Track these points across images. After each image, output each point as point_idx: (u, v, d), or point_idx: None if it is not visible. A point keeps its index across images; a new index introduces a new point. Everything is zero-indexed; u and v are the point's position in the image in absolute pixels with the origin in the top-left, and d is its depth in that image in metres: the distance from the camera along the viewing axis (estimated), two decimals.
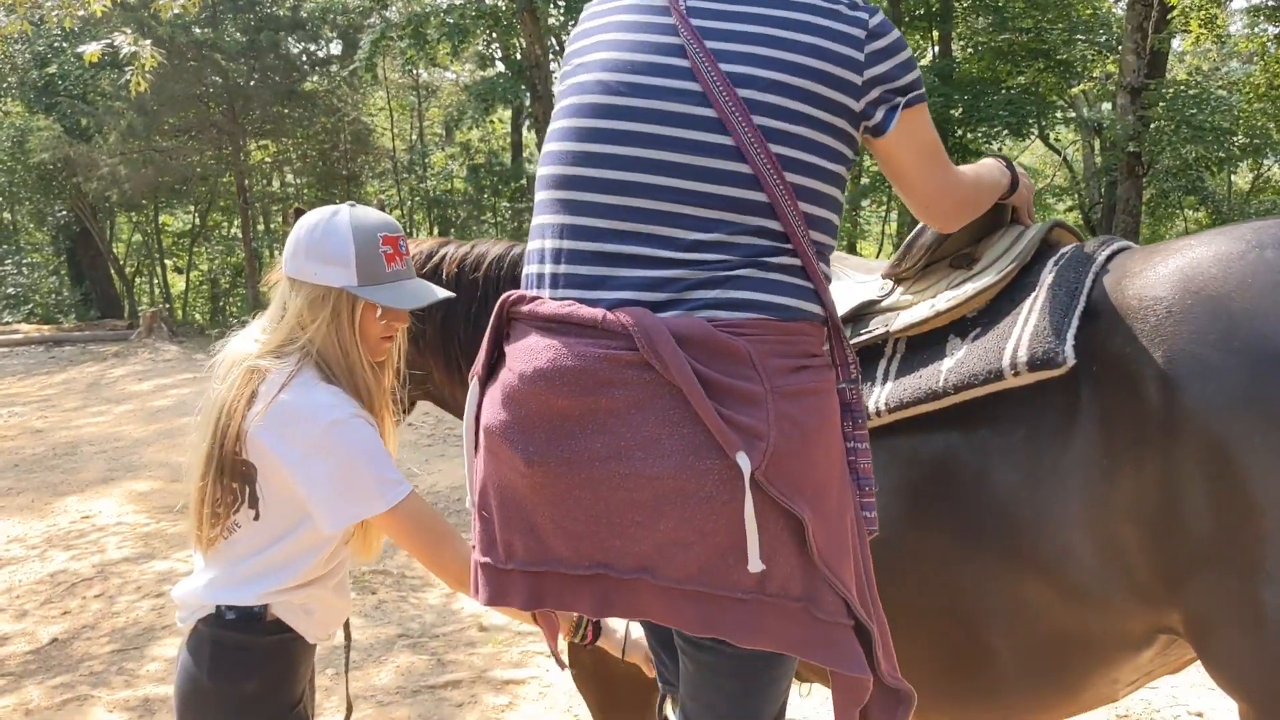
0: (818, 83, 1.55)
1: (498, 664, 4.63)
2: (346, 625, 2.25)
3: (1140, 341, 1.69)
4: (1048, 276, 1.87)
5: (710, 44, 1.55)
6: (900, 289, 2.08)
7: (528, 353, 1.54)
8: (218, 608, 1.98)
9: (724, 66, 1.53)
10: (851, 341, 1.96)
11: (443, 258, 2.70)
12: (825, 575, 1.50)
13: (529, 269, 1.67)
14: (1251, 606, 1.55)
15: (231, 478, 1.95)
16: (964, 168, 1.88)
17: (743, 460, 1.42)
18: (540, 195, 1.68)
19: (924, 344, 1.96)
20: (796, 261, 1.55)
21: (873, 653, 1.56)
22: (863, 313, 2.08)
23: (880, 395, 1.94)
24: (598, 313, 1.50)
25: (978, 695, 1.92)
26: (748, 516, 1.42)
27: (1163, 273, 1.73)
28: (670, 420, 1.45)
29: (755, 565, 1.44)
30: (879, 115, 1.63)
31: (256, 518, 1.97)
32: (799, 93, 1.54)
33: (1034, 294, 1.86)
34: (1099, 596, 1.73)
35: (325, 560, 2.02)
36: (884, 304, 2.06)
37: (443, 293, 2.04)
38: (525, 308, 1.58)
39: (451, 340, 2.64)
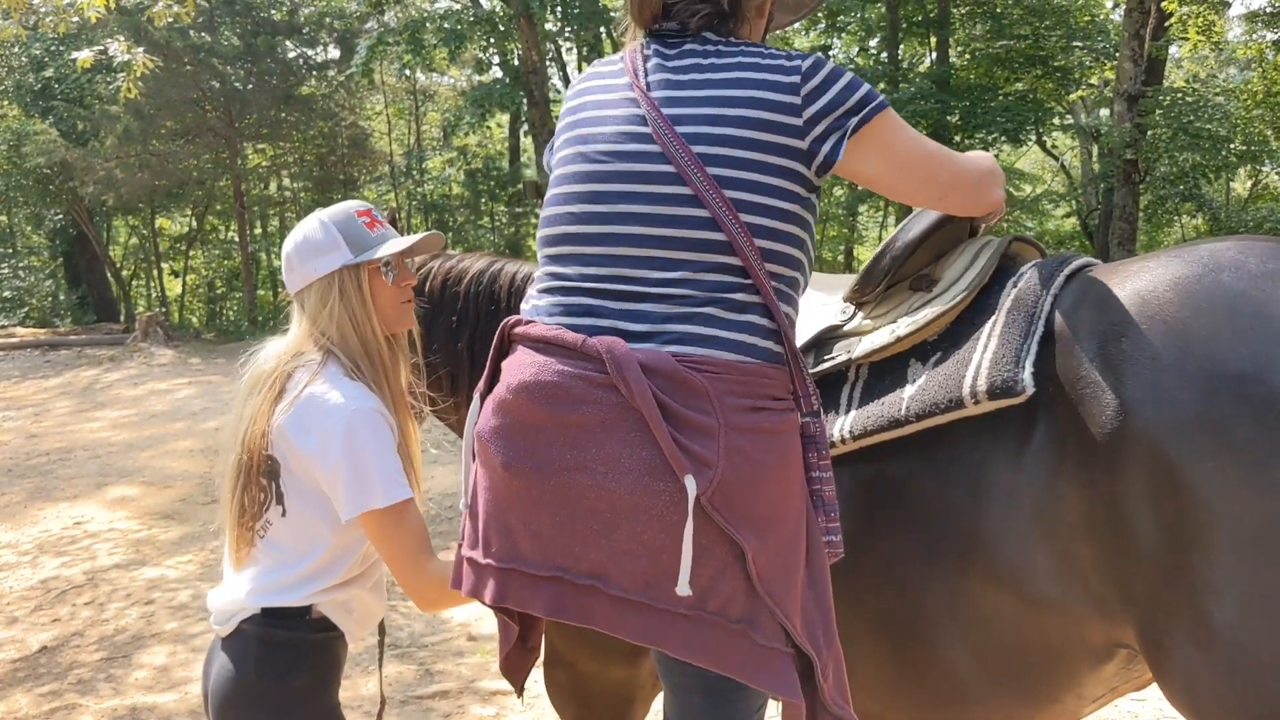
0: (760, 130, 1.71)
1: (485, 674, 4.61)
2: (381, 621, 2.31)
3: (1095, 364, 1.71)
4: (1006, 300, 1.89)
5: (667, 110, 1.75)
6: (861, 314, 2.10)
7: (517, 367, 1.71)
8: (263, 609, 2.01)
9: (679, 129, 1.73)
10: (814, 370, 2.04)
11: (428, 272, 2.77)
12: (766, 603, 1.60)
13: (527, 306, 1.84)
14: (1202, 625, 1.58)
15: (259, 475, 2.01)
16: (958, 155, 1.89)
17: (690, 484, 1.55)
18: (540, 253, 1.88)
19: (886, 370, 1.99)
20: (758, 300, 1.70)
21: (814, 679, 1.66)
22: (825, 339, 2.09)
23: (844, 423, 1.96)
24: (579, 338, 1.66)
25: (946, 706, 1.94)
26: (686, 537, 1.54)
27: (1119, 296, 1.76)
28: (631, 442, 1.59)
29: (683, 589, 1.55)
30: (827, 148, 1.74)
31: (284, 514, 2.02)
32: (745, 142, 1.71)
33: (993, 318, 1.89)
34: (1058, 609, 1.75)
35: (360, 560, 2.07)
36: (845, 329, 2.08)
37: (431, 233, 2.21)
38: (520, 329, 1.77)
39: (431, 350, 2.66)
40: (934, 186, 1.84)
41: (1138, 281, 1.76)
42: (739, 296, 1.69)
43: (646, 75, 1.81)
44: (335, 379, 2.00)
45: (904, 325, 1.97)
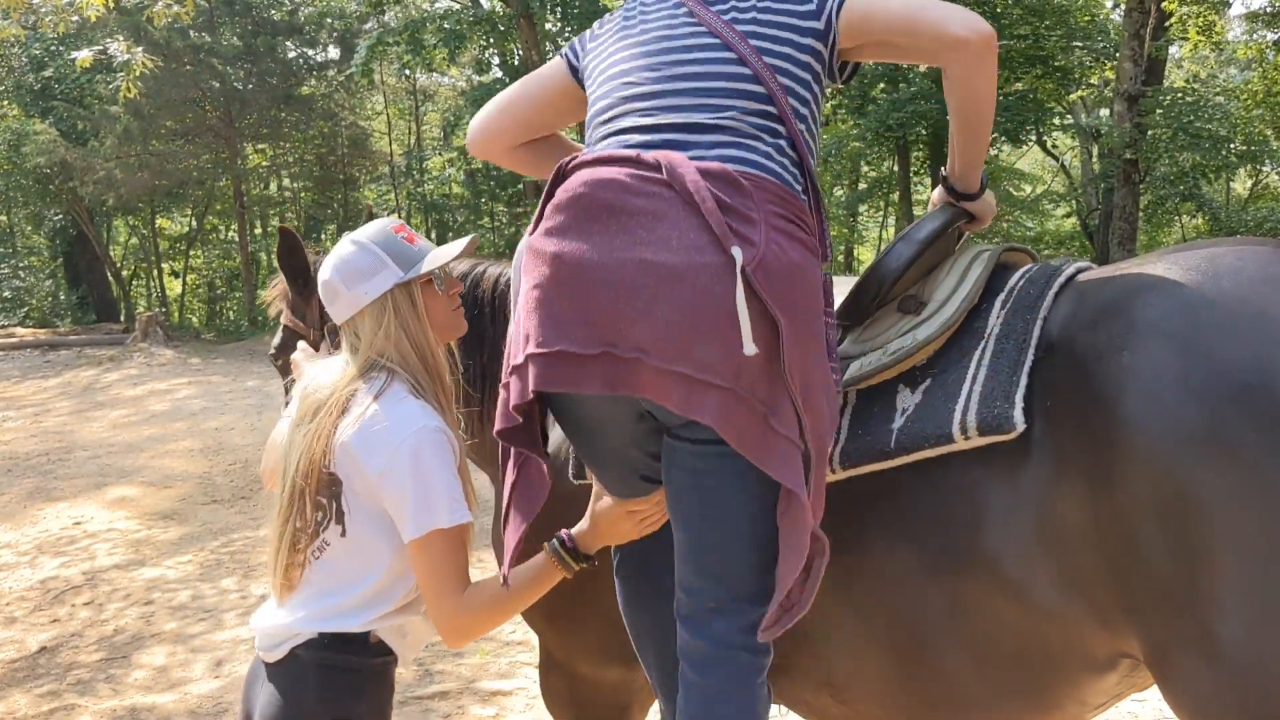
0: (787, 16, 1.97)
1: (485, 675, 4.61)
2: None
3: (1094, 377, 1.67)
4: (995, 324, 1.86)
5: (712, 8, 1.99)
6: (850, 337, 2.06)
7: (574, 180, 1.83)
8: (320, 634, 1.97)
9: (723, 17, 1.97)
10: None
11: None
12: (789, 388, 1.70)
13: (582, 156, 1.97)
14: (1208, 638, 1.55)
15: (318, 493, 1.97)
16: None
17: (736, 253, 1.68)
18: (591, 126, 2.04)
19: (874, 397, 1.95)
20: (794, 152, 1.92)
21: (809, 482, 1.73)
22: None
23: (836, 452, 1.92)
24: (633, 151, 1.83)
25: (948, 713, 1.92)
26: (739, 301, 1.66)
27: (1115, 305, 1.72)
28: (681, 227, 1.72)
29: (749, 348, 1.66)
30: (833, 15, 1.97)
31: (344, 534, 1.97)
32: (776, 24, 1.96)
33: (982, 344, 1.85)
34: (1060, 619, 1.73)
35: (416, 585, 2.02)
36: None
37: (470, 237, 2.21)
38: (575, 161, 1.90)
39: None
40: (928, 13, 1.91)
41: (1134, 289, 1.72)
42: (776, 141, 1.91)
43: None
44: (400, 397, 1.96)
45: (891, 351, 1.93)
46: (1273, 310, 1.57)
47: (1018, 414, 1.71)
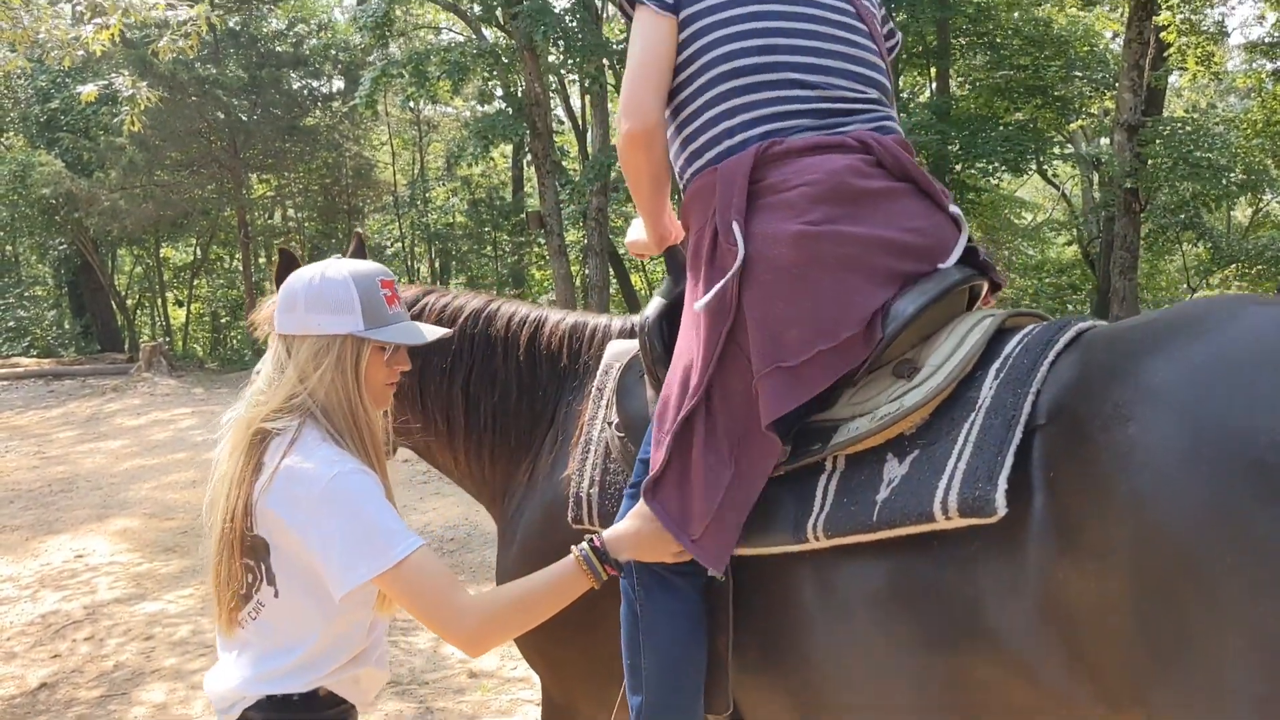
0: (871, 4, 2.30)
1: (486, 711, 4.59)
2: None
3: (1099, 450, 1.56)
4: (988, 396, 1.77)
5: None
6: (843, 399, 1.97)
7: (804, 169, 2.00)
8: (268, 696, 1.92)
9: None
10: (796, 464, 1.96)
11: (423, 307, 2.70)
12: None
13: (736, 138, 2.08)
14: None
15: (245, 555, 1.90)
16: None
17: (956, 210, 2.09)
18: (720, 88, 2.10)
19: (862, 464, 1.88)
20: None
21: None
22: (805, 427, 1.98)
23: (819, 520, 1.86)
24: (838, 138, 2.05)
25: None
26: (960, 222, 2.09)
27: (1122, 371, 1.61)
28: (915, 196, 2.05)
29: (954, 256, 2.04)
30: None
31: (277, 595, 1.91)
32: (868, 11, 2.27)
33: (972, 417, 1.76)
34: (1066, 702, 1.64)
35: (365, 634, 1.99)
36: (824, 415, 1.97)
37: (444, 331, 2.12)
38: (780, 149, 2.03)
39: (425, 391, 2.63)
40: None
41: (1141, 352, 1.61)
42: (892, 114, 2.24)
43: None
44: (313, 445, 1.89)
45: (879, 418, 1.85)
46: None
47: (999, 497, 1.62)
